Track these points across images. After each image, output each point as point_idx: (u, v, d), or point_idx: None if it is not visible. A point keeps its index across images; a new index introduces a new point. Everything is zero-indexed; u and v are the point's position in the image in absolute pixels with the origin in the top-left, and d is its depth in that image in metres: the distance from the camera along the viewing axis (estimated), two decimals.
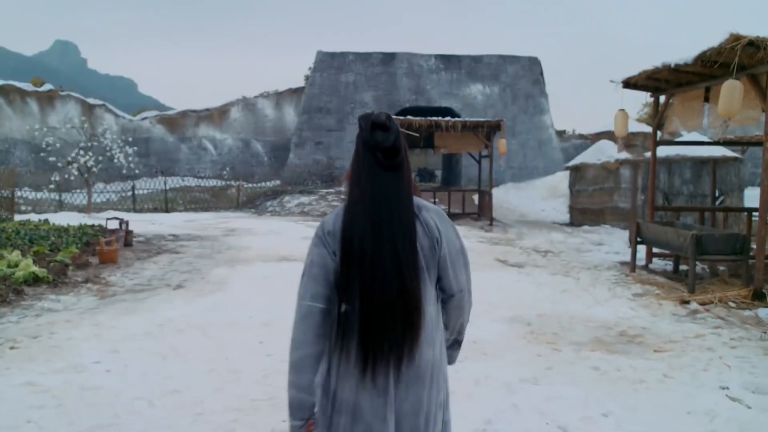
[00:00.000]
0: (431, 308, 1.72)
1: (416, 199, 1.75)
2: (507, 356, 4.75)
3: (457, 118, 17.25)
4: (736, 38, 6.25)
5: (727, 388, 4.05)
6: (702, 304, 6.46)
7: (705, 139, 12.25)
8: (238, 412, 3.62)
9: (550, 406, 3.74)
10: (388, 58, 26.78)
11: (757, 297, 6.55)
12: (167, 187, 22.45)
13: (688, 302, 6.54)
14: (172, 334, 5.24)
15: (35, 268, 7.01)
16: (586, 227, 15.64)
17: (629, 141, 19.66)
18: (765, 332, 5.37)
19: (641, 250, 9.33)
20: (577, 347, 5.01)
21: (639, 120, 25.57)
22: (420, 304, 1.65)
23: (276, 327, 5.47)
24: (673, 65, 7.44)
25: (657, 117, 9.00)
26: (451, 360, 1.96)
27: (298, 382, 1.69)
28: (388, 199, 1.65)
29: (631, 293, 7.19)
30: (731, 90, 6.39)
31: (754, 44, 6.25)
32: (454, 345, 1.96)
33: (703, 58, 6.82)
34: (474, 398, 3.87)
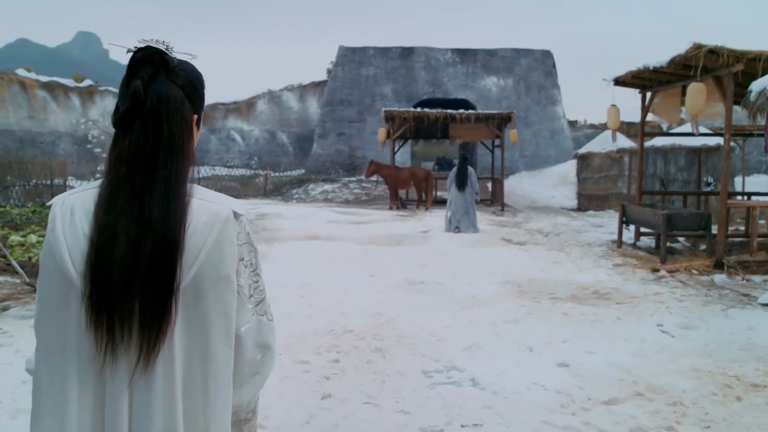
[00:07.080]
0: (472, 181, 11.95)
1: (469, 167, 12.20)
2: (497, 306, 6.02)
3: (470, 111, 18.39)
4: (698, 47, 7.39)
5: (662, 325, 5.28)
6: (670, 272, 7.65)
7: (706, 131, 13.26)
8: (291, 338, 4.93)
9: (523, 337, 5.01)
10: (407, 52, 27.90)
11: (718, 266, 7.71)
12: (200, 176, 23.99)
13: (658, 270, 7.73)
14: None
15: None
16: (591, 212, 16.77)
17: (635, 131, 20.65)
18: (710, 290, 6.57)
19: (632, 229, 10.49)
20: (555, 301, 6.26)
21: None
22: (468, 181, 11.81)
23: (313, 287, 6.80)
24: (651, 67, 8.58)
25: (644, 111, 10.13)
26: (477, 198, 12.42)
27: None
28: (462, 167, 12.06)
29: (612, 264, 8.39)
30: (695, 91, 7.54)
31: (714, 52, 7.38)
32: (475, 196, 12.11)
33: (674, 63, 7.96)
34: (466, 331, 5.15)
